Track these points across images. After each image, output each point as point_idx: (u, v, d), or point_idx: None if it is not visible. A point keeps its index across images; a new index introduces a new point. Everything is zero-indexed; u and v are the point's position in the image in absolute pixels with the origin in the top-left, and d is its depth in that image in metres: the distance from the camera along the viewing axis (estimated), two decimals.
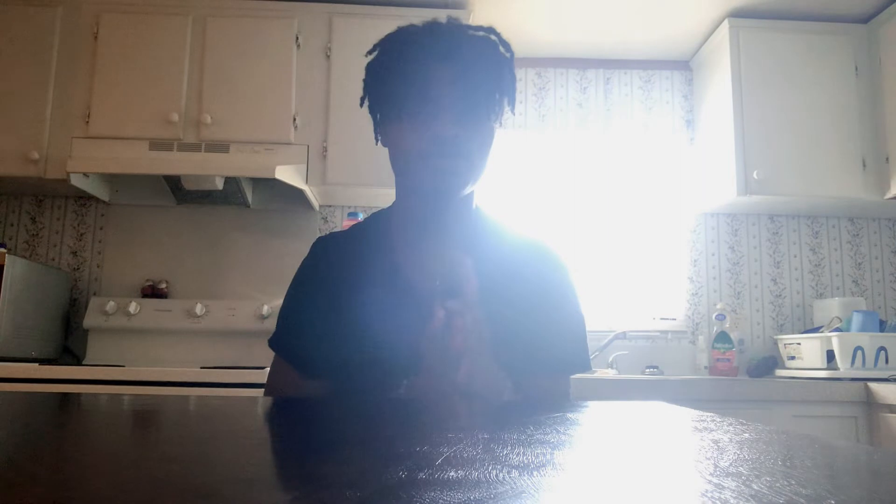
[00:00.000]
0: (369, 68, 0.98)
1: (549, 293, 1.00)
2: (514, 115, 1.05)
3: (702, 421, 0.60)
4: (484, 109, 0.94)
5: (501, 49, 0.97)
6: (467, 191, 0.98)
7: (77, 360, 2.56)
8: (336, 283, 1.01)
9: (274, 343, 1.05)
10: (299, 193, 2.52)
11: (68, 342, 2.62)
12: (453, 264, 0.98)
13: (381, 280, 0.98)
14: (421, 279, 0.98)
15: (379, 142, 1.01)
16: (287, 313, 1.05)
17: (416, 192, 0.98)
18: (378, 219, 1.07)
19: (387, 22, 2.84)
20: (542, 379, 0.98)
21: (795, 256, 2.87)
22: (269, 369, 1.14)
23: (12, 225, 2.72)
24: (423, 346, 0.86)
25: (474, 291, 0.94)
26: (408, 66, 0.92)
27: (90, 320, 2.51)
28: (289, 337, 1.04)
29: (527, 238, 1.05)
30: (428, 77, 0.92)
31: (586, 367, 1.01)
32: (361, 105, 1.00)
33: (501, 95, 0.96)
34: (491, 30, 0.97)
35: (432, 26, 0.95)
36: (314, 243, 1.08)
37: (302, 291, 1.05)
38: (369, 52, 0.98)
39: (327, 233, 1.13)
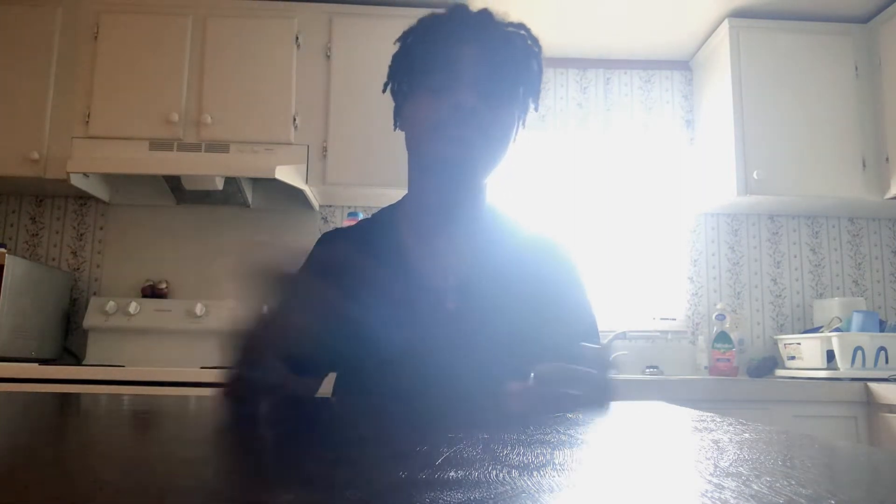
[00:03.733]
0: (395, 54, 0.97)
1: (562, 293, 0.98)
2: (537, 112, 1.04)
3: (702, 421, 0.60)
4: (507, 94, 0.93)
5: (529, 43, 0.95)
6: (482, 177, 0.96)
7: (77, 360, 2.56)
8: (344, 279, 0.99)
9: None
10: (299, 193, 2.52)
11: (68, 342, 2.61)
12: (466, 261, 0.97)
13: (392, 276, 0.96)
14: (433, 276, 0.96)
15: (397, 127, 0.99)
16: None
17: (430, 167, 0.95)
18: (387, 213, 1.05)
19: (387, 22, 2.81)
20: None
21: (795, 256, 2.87)
22: None
23: (12, 225, 2.72)
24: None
25: (486, 289, 0.93)
26: (434, 45, 0.92)
27: (90, 320, 2.51)
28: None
29: (540, 235, 1.03)
30: (453, 55, 0.91)
31: None
32: (384, 90, 0.99)
33: (526, 89, 0.95)
34: (521, 25, 0.96)
35: (461, 10, 0.94)
36: (320, 238, 1.05)
37: (306, 290, 1.03)
38: (398, 41, 0.97)
39: (332, 228, 1.11)
